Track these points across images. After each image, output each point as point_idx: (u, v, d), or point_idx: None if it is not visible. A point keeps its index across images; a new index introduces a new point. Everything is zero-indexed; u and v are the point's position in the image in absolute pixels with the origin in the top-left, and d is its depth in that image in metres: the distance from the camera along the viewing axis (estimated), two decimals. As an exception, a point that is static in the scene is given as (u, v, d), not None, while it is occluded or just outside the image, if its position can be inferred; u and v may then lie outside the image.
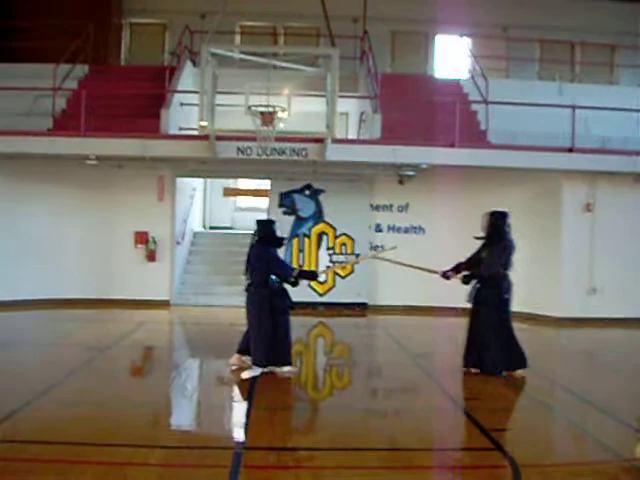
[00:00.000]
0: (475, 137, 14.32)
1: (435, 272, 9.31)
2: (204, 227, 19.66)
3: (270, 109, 11.76)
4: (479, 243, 9.15)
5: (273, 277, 8.92)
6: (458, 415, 7.40)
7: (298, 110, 12.59)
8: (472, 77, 16.33)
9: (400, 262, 9.66)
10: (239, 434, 6.38)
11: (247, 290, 9.13)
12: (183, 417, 7.30)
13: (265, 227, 9.13)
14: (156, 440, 6.04)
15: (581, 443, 6.59)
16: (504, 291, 8.97)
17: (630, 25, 19.84)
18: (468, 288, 9.05)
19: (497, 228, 8.94)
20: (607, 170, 13.91)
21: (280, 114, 11.95)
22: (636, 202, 14.57)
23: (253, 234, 9.19)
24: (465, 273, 9.07)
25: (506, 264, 8.97)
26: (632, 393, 8.77)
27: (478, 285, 8.97)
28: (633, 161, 13.86)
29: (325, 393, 8.72)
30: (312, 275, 10.17)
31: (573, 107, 13.78)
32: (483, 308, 8.89)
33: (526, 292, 13.77)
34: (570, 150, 13.73)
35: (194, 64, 16.87)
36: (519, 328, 12.86)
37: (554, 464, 5.80)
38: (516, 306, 12.83)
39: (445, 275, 9.21)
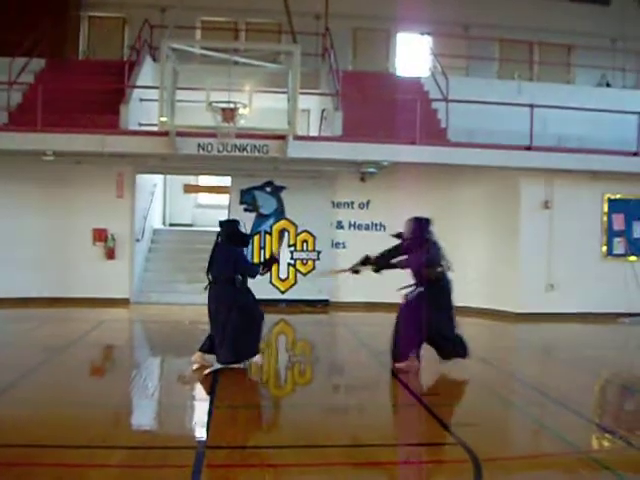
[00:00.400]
0: (435, 135, 14.42)
1: (344, 270, 9.73)
2: (164, 224, 19.48)
3: (231, 105, 11.70)
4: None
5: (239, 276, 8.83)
6: (420, 411, 7.44)
7: (259, 106, 12.59)
8: (433, 75, 16.42)
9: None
10: (201, 433, 6.34)
11: (211, 288, 8.97)
12: (144, 417, 7.22)
13: (229, 227, 9.08)
14: (117, 440, 5.95)
15: (540, 436, 6.70)
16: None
17: (586, 26, 20.16)
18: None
19: (419, 234, 9.00)
20: (564, 168, 14.13)
21: (241, 110, 11.92)
22: (592, 199, 14.86)
23: (218, 234, 9.11)
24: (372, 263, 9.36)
25: (434, 263, 8.98)
26: (587, 385, 8.98)
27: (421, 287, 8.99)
28: (588, 159, 14.10)
29: (287, 390, 8.72)
30: (272, 260, 9.95)
31: (532, 106, 13.97)
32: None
33: (486, 288, 14.01)
34: (528, 148, 13.92)
35: (154, 59, 16.70)
36: (480, 323, 13.16)
37: (514, 457, 5.89)
38: (477, 302, 13.05)
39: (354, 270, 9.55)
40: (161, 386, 8.63)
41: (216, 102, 11.79)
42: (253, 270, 9.25)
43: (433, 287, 8.91)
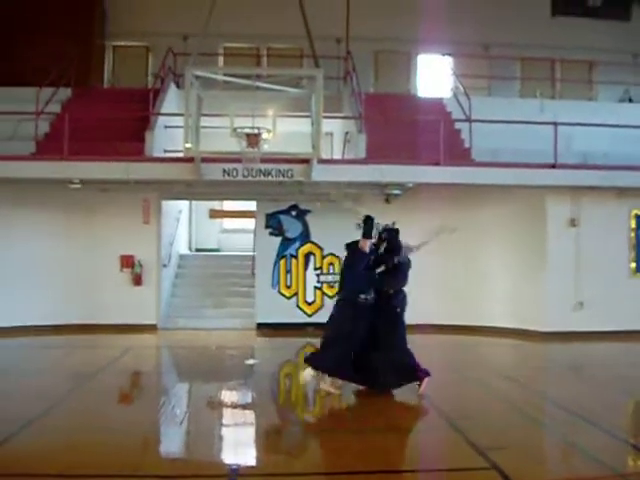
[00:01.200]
0: (459, 155, 14.41)
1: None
2: (190, 249, 19.60)
3: (255, 131, 11.79)
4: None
5: None
6: (451, 434, 7.36)
7: (283, 131, 12.66)
8: (455, 96, 16.43)
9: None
10: (232, 460, 6.33)
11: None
12: (173, 444, 7.19)
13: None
14: (148, 469, 5.95)
15: (573, 457, 6.59)
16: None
17: (607, 42, 20.11)
18: None
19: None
20: (590, 185, 14.04)
21: (265, 135, 12.00)
22: (619, 216, 14.72)
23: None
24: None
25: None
26: (619, 405, 8.84)
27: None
28: (614, 176, 14.00)
29: (315, 414, 8.68)
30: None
31: (555, 124, 13.91)
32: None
33: (512, 307, 13.90)
34: (553, 166, 13.84)
35: (178, 86, 16.90)
36: (507, 343, 13.03)
37: (548, 481, 5.82)
38: (504, 322, 12.91)
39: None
40: (190, 412, 8.60)
41: (240, 127, 11.89)
42: None
43: None
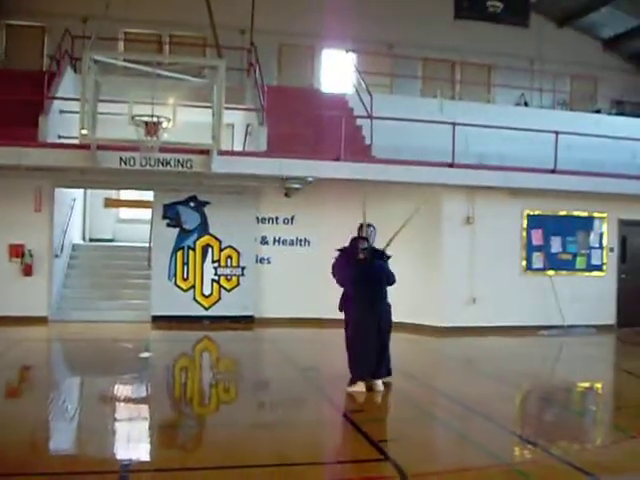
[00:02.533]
0: (360, 151, 14.55)
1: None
2: (84, 239, 18.97)
3: (154, 119, 11.50)
4: None
5: None
6: (346, 427, 7.41)
7: (184, 121, 12.41)
8: (357, 92, 16.57)
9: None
10: (124, 456, 6.15)
11: (371, 305, 8.97)
12: (63, 440, 6.91)
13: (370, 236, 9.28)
14: (34, 467, 5.70)
15: (465, 449, 6.77)
16: None
17: (506, 47, 20.81)
18: None
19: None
20: (485, 185, 14.46)
21: (165, 124, 11.73)
22: (512, 215, 15.23)
23: (356, 240, 9.26)
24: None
25: None
26: (509, 397, 9.16)
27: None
28: (508, 176, 14.47)
29: (212, 409, 8.57)
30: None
31: (453, 124, 14.24)
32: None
33: (411, 303, 14.11)
34: (450, 165, 14.17)
35: (75, 70, 16.30)
36: (405, 338, 13.26)
37: (441, 472, 5.93)
38: (402, 317, 13.14)
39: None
40: (81, 407, 8.30)
41: (139, 116, 11.57)
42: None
43: None
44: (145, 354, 11.62)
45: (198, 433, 7.42)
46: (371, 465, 6.06)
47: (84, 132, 11.77)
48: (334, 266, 9.30)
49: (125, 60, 12.79)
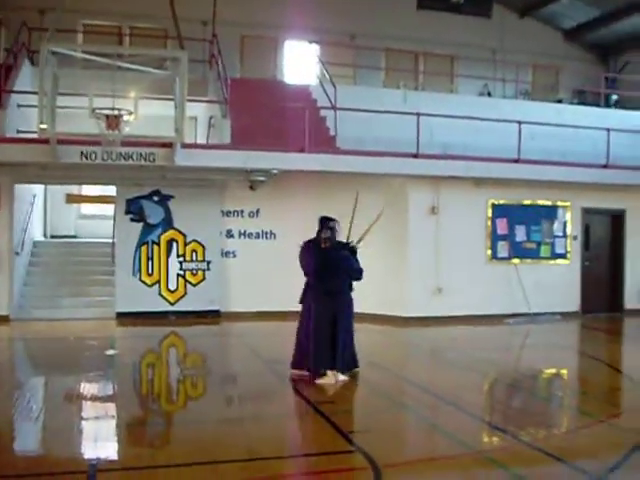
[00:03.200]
0: (325, 143, 14.47)
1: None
2: (45, 236, 18.63)
3: (115, 112, 11.30)
4: None
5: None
6: (315, 419, 7.37)
7: (146, 114, 12.22)
8: (321, 83, 16.49)
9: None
10: (92, 455, 6.03)
11: (328, 295, 8.88)
12: (28, 441, 6.74)
13: (334, 226, 9.05)
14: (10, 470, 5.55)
15: (435, 438, 6.79)
16: None
17: (469, 37, 20.89)
18: None
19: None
20: (449, 175, 14.50)
21: (126, 117, 11.54)
22: (477, 205, 15.31)
23: (320, 232, 9.03)
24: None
25: None
26: (476, 385, 9.22)
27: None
28: (473, 166, 14.53)
29: (180, 405, 8.47)
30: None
31: (418, 114, 14.23)
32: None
33: (377, 294, 14.13)
34: (415, 156, 14.18)
35: (32, 63, 15.94)
36: (371, 329, 13.27)
37: (412, 461, 5.94)
38: (369, 307, 13.17)
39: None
40: (47, 407, 8.11)
41: (100, 109, 11.36)
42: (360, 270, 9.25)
43: None
44: (111, 351, 11.43)
45: (166, 430, 7.31)
46: (342, 457, 6.02)
47: (43, 126, 11.51)
48: (300, 255, 9.23)
49: (85, 52, 12.52)
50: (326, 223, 9.13)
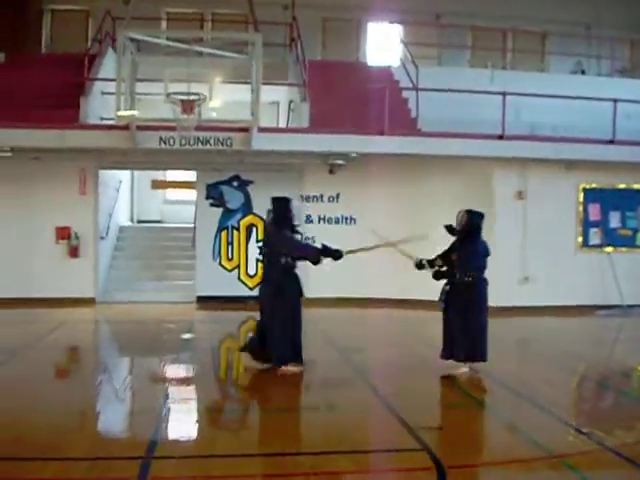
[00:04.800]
0: (406, 125, 14.05)
1: (411, 258, 8.83)
2: (132, 221, 18.98)
3: (190, 97, 11.25)
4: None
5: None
6: (384, 413, 7.06)
7: (229, 99, 12.26)
8: (403, 64, 16.04)
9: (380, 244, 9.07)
10: (151, 441, 5.92)
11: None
12: (112, 421, 6.72)
13: (279, 206, 8.51)
14: (78, 451, 5.52)
15: (510, 439, 6.33)
16: (476, 294, 8.74)
17: (560, 13, 19.87)
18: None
19: (472, 228, 8.62)
20: (538, 157, 13.83)
21: (205, 102, 11.48)
22: (567, 189, 14.58)
23: (268, 212, 8.73)
24: (437, 269, 8.73)
25: (480, 267, 8.75)
26: (560, 382, 8.68)
27: (447, 287, 8.70)
28: (563, 148, 13.81)
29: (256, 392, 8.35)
30: (337, 254, 8.70)
31: (504, 94, 13.62)
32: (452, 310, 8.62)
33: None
34: (500, 137, 13.58)
35: (116, 51, 16.17)
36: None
37: (481, 463, 5.56)
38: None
39: (420, 264, 8.78)
40: (132, 388, 8.10)
41: (174, 93, 11.34)
42: (303, 251, 8.73)
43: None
44: (187, 335, 11.48)
45: (240, 418, 7.16)
46: (405, 455, 5.69)
47: (120, 113, 11.60)
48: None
49: (162, 38, 12.55)
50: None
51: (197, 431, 6.48)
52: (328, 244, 8.63)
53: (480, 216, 8.75)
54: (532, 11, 19.70)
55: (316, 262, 8.62)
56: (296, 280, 8.57)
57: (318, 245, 8.84)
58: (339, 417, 6.99)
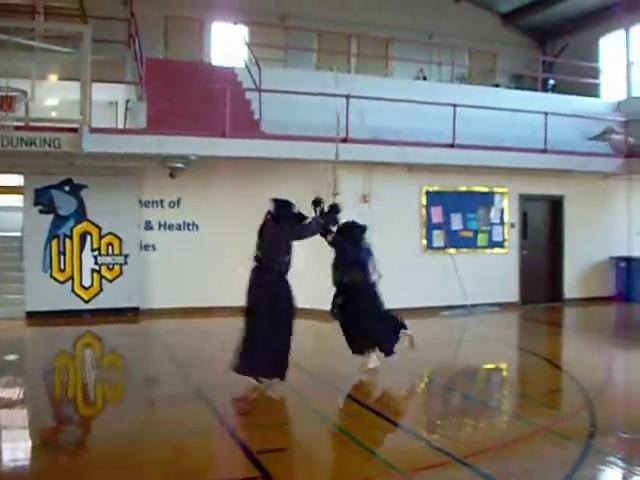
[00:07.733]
0: (249, 127, 13.56)
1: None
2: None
3: (9, 93, 10.24)
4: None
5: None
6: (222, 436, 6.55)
7: (66, 98, 11.19)
8: (247, 66, 15.57)
9: None
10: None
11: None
12: None
13: (284, 210, 8.51)
14: None
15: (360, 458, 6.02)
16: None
17: (403, 21, 20.18)
18: None
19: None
20: (381, 161, 13.79)
21: (24, 99, 10.50)
22: (410, 192, 14.68)
23: (268, 213, 8.50)
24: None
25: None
26: (407, 390, 8.49)
27: None
28: (406, 152, 13.82)
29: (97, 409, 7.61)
30: (334, 210, 9.09)
31: (347, 97, 13.43)
32: None
33: (305, 288, 13.34)
34: (345, 140, 13.39)
35: None
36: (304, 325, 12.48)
37: None
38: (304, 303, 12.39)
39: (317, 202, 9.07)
40: None
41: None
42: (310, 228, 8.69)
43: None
44: (11, 356, 10.43)
45: (82, 434, 6.41)
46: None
47: None
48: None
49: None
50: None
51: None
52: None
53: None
54: (377, 17, 19.87)
55: (325, 234, 9.09)
56: (289, 287, 8.43)
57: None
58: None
